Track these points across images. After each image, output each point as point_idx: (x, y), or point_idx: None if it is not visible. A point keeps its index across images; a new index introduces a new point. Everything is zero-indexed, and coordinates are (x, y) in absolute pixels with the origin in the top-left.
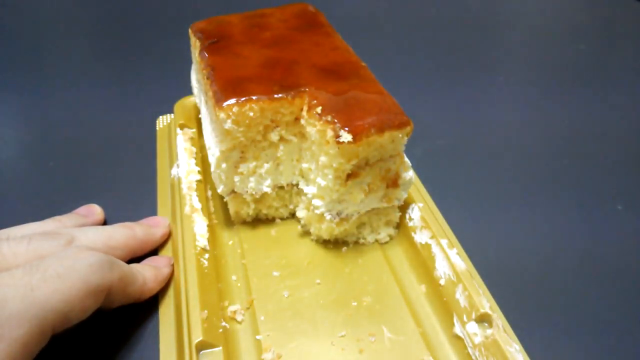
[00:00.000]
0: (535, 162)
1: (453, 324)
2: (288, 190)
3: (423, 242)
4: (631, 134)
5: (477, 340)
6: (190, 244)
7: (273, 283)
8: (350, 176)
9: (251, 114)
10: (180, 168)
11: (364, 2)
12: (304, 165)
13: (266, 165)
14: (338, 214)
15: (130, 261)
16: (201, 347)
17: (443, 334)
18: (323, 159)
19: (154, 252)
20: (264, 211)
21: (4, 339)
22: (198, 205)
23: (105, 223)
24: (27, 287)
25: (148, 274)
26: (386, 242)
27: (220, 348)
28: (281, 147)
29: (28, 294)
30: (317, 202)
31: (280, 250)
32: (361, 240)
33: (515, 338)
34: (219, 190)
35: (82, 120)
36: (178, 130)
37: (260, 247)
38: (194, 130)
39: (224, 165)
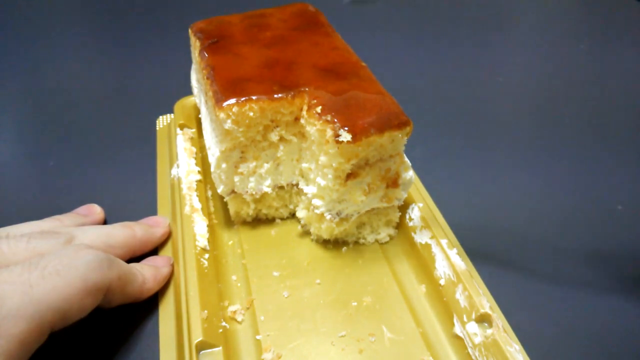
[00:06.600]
0: (536, 162)
1: (453, 324)
2: (288, 190)
3: (423, 242)
4: (631, 133)
5: (477, 340)
6: (190, 244)
7: (273, 283)
8: (350, 176)
9: (251, 114)
10: (180, 168)
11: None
12: (304, 165)
13: (266, 165)
14: (338, 213)
15: (130, 261)
16: (201, 347)
17: (443, 334)
18: (323, 158)
19: (154, 251)
20: (264, 211)
21: (2, 335)
22: (198, 205)
23: (105, 223)
24: (25, 285)
25: (147, 273)
26: (386, 242)
27: (220, 348)
28: (281, 147)
29: (26, 291)
30: (317, 202)
31: (280, 250)
32: (361, 240)
33: (515, 338)
34: (219, 190)
35: (83, 120)
36: (178, 130)
37: (260, 247)
38: (194, 130)
39: (224, 165)
